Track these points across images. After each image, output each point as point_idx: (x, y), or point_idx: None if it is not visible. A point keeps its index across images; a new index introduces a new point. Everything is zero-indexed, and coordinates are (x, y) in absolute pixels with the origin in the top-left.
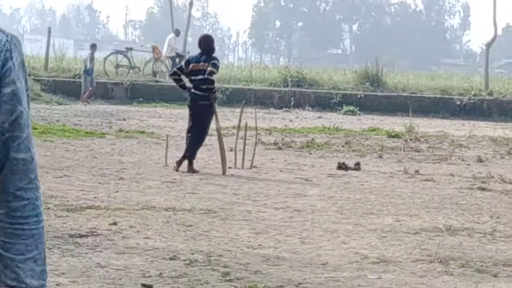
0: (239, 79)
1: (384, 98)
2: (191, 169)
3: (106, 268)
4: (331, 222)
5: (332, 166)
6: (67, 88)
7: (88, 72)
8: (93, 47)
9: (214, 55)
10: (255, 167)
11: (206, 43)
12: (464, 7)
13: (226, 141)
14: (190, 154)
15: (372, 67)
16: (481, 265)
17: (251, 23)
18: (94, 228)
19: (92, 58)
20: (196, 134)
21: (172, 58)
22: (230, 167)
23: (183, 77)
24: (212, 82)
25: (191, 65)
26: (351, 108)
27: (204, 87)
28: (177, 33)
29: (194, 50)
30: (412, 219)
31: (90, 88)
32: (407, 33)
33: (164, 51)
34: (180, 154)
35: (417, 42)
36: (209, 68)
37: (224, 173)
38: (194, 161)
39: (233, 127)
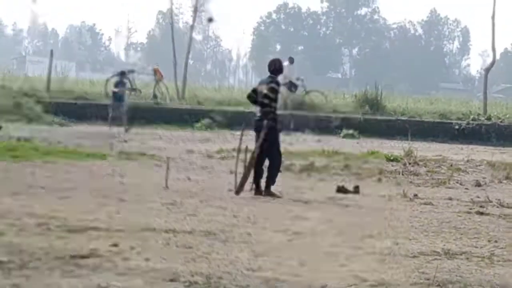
0: (239, 101)
1: (383, 122)
2: (269, 193)
3: None
4: (330, 245)
5: (332, 189)
6: (68, 110)
7: (119, 97)
8: (123, 74)
9: (279, 78)
10: (256, 189)
11: (268, 65)
12: (464, 32)
13: (227, 164)
14: (272, 182)
15: (371, 91)
16: None
17: (251, 46)
18: (95, 249)
19: (121, 83)
20: (269, 159)
21: (287, 86)
22: (230, 190)
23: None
24: (265, 105)
25: (258, 87)
26: (351, 131)
27: (263, 110)
28: (291, 60)
29: (194, 72)
30: (411, 242)
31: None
32: (406, 57)
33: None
34: (180, 175)
35: (416, 67)
36: (264, 91)
37: (237, 193)
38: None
39: (234, 150)
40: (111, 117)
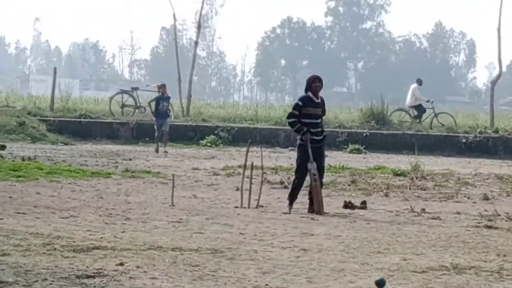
0: (244, 118)
1: (390, 136)
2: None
3: None
4: (338, 261)
5: (339, 205)
6: (73, 128)
7: (164, 115)
8: (163, 87)
9: (303, 95)
10: (262, 206)
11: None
12: (469, 45)
13: (232, 181)
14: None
15: (377, 105)
16: None
17: (256, 62)
18: (101, 268)
19: (162, 99)
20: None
21: (416, 108)
22: (236, 207)
23: None
24: (291, 124)
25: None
26: (357, 146)
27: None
28: (419, 82)
29: (199, 88)
30: (419, 257)
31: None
32: (412, 71)
33: (408, 101)
34: (186, 193)
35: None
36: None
37: (318, 213)
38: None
39: (239, 166)
40: (158, 136)
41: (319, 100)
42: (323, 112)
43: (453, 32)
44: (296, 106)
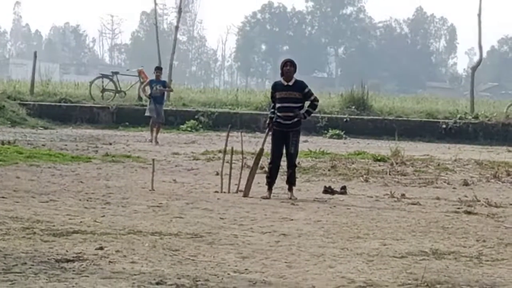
0: (225, 103)
1: (370, 121)
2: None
3: None
4: (318, 246)
5: (318, 190)
6: (53, 112)
7: (159, 99)
8: (158, 70)
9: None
10: (241, 191)
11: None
12: (450, 30)
13: (212, 165)
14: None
15: (357, 90)
16: None
17: (236, 47)
18: (80, 253)
19: (156, 82)
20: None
21: None
22: (216, 192)
23: None
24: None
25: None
26: (337, 131)
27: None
28: None
29: (179, 73)
30: (399, 243)
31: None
32: (392, 56)
33: None
34: (166, 178)
35: (402, 66)
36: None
37: (245, 195)
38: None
39: (219, 151)
40: (153, 124)
41: (291, 83)
42: (306, 95)
43: (433, 18)
44: (271, 96)
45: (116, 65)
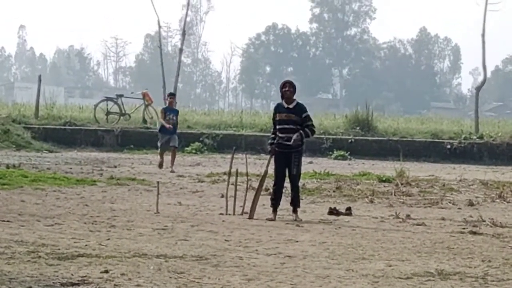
0: (229, 125)
1: (375, 142)
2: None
3: None
4: (323, 268)
5: (324, 212)
6: (58, 136)
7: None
8: (172, 95)
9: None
10: (246, 213)
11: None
12: (454, 51)
13: (217, 187)
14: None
15: (362, 111)
16: None
17: (241, 69)
18: (86, 276)
19: (169, 110)
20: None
21: None
22: (221, 214)
23: None
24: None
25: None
26: (342, 153)
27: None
28: None
29: (184, 96)
30: (404, 263)
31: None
32: (397, 77)
33: None
34: (171, 200)
35: (407, 86)
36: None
37: (250, 217)
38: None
39: (224, 173)
40: (162, 149)
41: (292, 106)
42: (304, 118)
43: (437, 38)
44: (272, 118)
45: (120, 88)
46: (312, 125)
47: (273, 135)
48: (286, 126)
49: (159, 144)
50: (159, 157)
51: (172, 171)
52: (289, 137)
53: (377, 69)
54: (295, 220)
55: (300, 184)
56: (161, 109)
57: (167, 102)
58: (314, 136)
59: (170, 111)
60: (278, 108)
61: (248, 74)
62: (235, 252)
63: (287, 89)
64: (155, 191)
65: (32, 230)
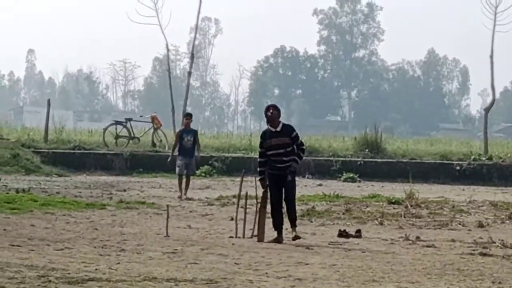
0: (238, 147)
1: (384, 164)
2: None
3: None
4: None
5: (333, 234)
6: (67, 160)
7: (189, 152)
8: (188, 116)
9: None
10: (256, 236)
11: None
12: (463, 72)
13: (227, 211)
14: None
15: (371, 133)
16: None
17: (249, 91)
18: None
19: (187, 133)
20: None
21: None
22: (231, 237)
23: None
24: (258, 164)
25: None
26: (351, 175)
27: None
28: None
29: (193, 119)
30: (414, 286)
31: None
32: (405, 98)
33: None
34: (181, 223)
35: (415, 108)
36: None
37: (259, 240)
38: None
39: (234, 196)
40: (180, 179)
41: (279, 128)
42: (293, 139)
43: (446, 59)
44: (259, 144)
45: (129, 111)
46: (301, 144)
47: (261, 168)
48: (278, 151)
49: (177, 170)
50: (178, 187)
51: (187, 198)
52: (283, 160)
53: (385, 91)
54: (294, 236)
55: (309, 206)
56: (177, 132)
57: (183, 123)
58: (323, 158)
59: (186, 132)
60: (265, 135)
61: (256, 96)
62: (245, 275)
63: (271, 111)
64: (164, 214)
65: (42, 254)
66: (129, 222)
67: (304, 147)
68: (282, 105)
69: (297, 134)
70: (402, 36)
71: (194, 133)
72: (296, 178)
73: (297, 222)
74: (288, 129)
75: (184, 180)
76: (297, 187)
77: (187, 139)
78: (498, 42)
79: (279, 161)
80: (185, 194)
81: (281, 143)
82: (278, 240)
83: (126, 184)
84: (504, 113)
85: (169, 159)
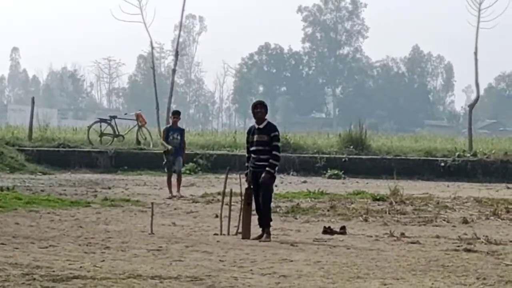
0: (223, 145)
1: (368, 161)
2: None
3: None
4: (318, 287)
5: (318, 231)
6: (51, 158)
7: (177, 150)
8: (176, 114)
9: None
10: (241, 233)
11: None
12: (447, 68)
13: (212, 208)
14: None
15: (355, 130)
16: None
17: (234, 89)
18: None
19: (173, 130)
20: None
21: None
22: (215, 234)
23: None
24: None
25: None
26: (336, 171)
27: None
28: None
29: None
30: (399, 282)
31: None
32: (390, 95)
33: None
34: (166, 221)
35: (400, 104)
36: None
37: (244, 237)
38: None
39: (218, 193)
40: (169, 177)
41: (262, 126)
42: (272, 138)
43: (430, 56)
44: (246, 139)
45: (114, 109)
46: (276, 148)
47: (247, 163)
48: (259, 147)
49: (164, 167)
50: (167, 184)
51: (181, 197)
52: (260, 158)
53: (370, 88)
54: (259, 236)
55: (294, 203)
56: (164, 129)
57: (171, 121)
58: (308, 155)
59: (173, 130)
60: (251, 131)
61: (241, 94)
62: (229, 273)
63: (258, 110)
64: (149, 212)
65: (27, 252)
66: (113, 220)
67: (277, 154)
68: (267, 102)
69: (276, 135)
70: (386, 33)
71: (181, 131)
72: (281, 175)
73: (282, 219)
74: (270, 128)
75: (175, 179)
76: (281, 184)
77: (173, 137)
78: (482, 39)
79: (257, 158)
80: (178, 191)
81: (261, 140)
82: (263, 237)
83: (110, 181)
84: (488, 110)
85: (165, 149)
